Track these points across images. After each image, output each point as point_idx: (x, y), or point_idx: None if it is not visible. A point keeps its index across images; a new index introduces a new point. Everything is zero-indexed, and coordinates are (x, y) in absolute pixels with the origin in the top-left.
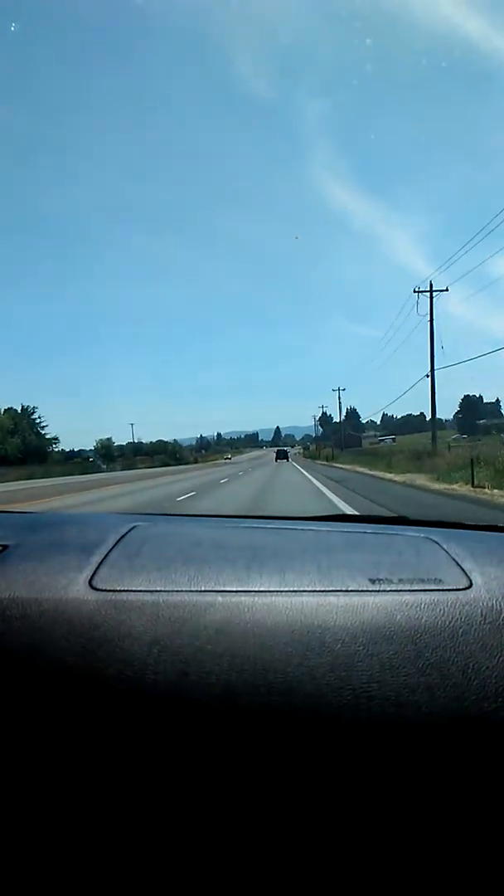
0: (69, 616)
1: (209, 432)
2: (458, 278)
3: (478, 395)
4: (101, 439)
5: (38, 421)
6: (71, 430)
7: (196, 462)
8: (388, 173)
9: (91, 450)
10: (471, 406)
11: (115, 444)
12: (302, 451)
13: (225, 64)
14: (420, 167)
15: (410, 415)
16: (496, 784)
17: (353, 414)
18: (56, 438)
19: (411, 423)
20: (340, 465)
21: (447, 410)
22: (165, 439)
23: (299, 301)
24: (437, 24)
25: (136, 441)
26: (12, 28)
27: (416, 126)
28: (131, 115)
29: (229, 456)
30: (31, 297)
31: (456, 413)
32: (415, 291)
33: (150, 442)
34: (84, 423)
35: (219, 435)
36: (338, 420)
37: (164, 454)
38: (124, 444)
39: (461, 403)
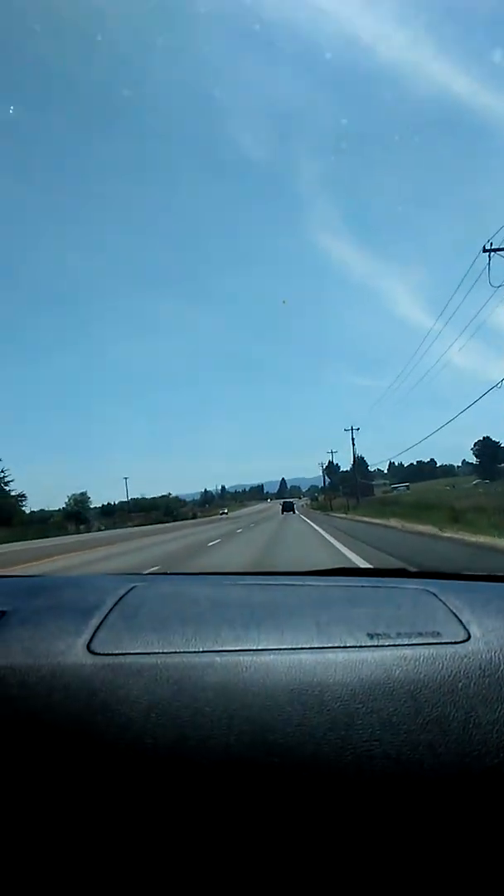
0: (67, 682)
1: (214, 486)
2: (459, 327)
3: (495, 439)
4: (73, 495)
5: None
6: (72, 488)
7: (195, 517)
8: (383, 228)
9: (94, 508)
10: (489, 449)
11: (115, 501)
12: (309, 502)
13: (223, 130)
14: (414, 221)
15: (421, 462)
16: (499, 840)
17: (361, 462)
18: (23, 495)
19: (423, 471)
20: (367, 519)
21: (456, 457)
22: (169, 494)
23: (300, 354)
24: (426, 85)
25: (129, 497)
26: (10, 111)
27: (409, 182)
28: (131, 179)
29: (225, 511)
30: (28, 357)
31: (475, 457)
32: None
33: (145, 497)
34: (86, 481)
35: (222, 488)
36: (346, 469)
37: (160, 510)
38: (118, 500)
39: (478, 447)
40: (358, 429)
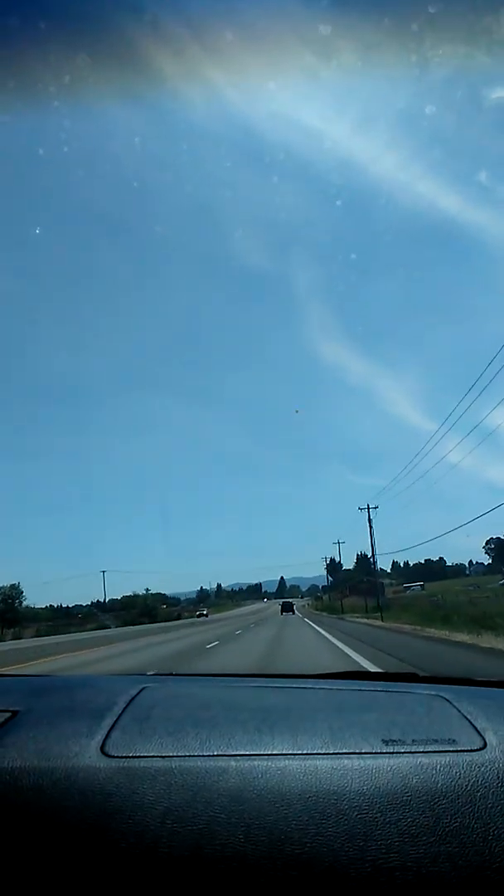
0: (81, 785)
1: (210, 584)
2: (458, 429)
3: None
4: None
5: None
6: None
7: (178, 618)
8: (379, 333)
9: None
10: (500, 548)
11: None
12: (312, 602)
13: (224, 241)
14: (409, 327)
15: (430, 560)
16: None
17: (364, 560)
18: None
19: (432, 570)
20: (428, 632)
21: (463, 556)
22: (147, 590)
23: (300, 453)
24: (415, 202)
25: (106, 595)
26: (37, 232)
27: (403, 290)
28: (135, 288)
29: (205, 612)
30: (28, 454)
31: (487, 556)
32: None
33: (136, 595)
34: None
35: (219, 586)
36: (349, 566)
37: (136, 609)
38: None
39: (493, 546)
40: (377, 507)
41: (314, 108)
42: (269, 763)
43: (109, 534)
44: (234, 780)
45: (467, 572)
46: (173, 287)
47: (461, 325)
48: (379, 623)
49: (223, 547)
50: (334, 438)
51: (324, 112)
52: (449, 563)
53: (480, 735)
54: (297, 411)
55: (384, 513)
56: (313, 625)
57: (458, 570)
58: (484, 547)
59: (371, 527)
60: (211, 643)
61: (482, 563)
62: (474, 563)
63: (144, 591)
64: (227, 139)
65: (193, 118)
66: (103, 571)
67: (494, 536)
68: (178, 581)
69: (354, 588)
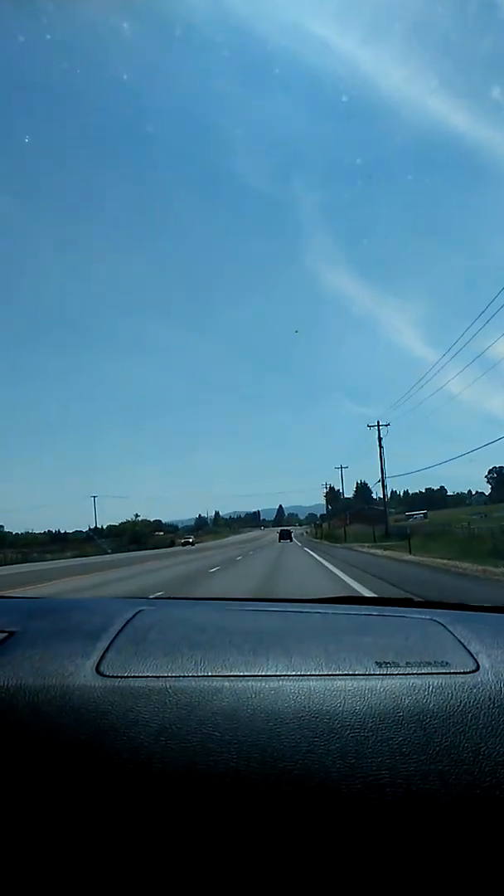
0: (76, 704)
1: (209, 512)
2: (459, 358)
3: None
4: None
5: None
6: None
7: (172, 545)
8: (385, 260)
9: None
10: (501, 477)
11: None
12: (311, 529)
13: (226, 160)
14: (414, 254)
15: (431, 490)
16: None
17: (364, 489)
18: None
19: (433, 499)
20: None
21: (462, 486)
22: (136, 516)
23: (300, 384)
24: (424, 120)
25: (96, 522)
26: (26, 140)
27: (411, 214)
28: (133, 209)
29: (190, 539)
30: (25, 381)
31: (489, 485)
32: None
33: (114, 524)
34: (81, 503)
35: (216, 514)
36: (348, 496)
37: (125, 536)
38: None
39: (495, 476)
40: (388, 424)
41: (322, 17)
42: (264, 684)
43: (103, 459)
44: (229, 700)
45: (468, 502)
46: (171, 208)
47: (471, 251)
48: (408, 557)
49: (222, 476)
50: (336, 369)
51: (331, 22)
52: (449, 493)
53: (473, 658)
54: (296, 332)
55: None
56: (311, 553)
57: (459, 499)
58: (486, 476)
59: (381, 446)
60: (216, 565)
61: (483, 493)
62: (474, 493)
63: (134, 517)
64: (230, 48)
65: (194, 22)
66: (94, 496)
67: (496, 466)
68: (175, 509)
69: (356, 515)
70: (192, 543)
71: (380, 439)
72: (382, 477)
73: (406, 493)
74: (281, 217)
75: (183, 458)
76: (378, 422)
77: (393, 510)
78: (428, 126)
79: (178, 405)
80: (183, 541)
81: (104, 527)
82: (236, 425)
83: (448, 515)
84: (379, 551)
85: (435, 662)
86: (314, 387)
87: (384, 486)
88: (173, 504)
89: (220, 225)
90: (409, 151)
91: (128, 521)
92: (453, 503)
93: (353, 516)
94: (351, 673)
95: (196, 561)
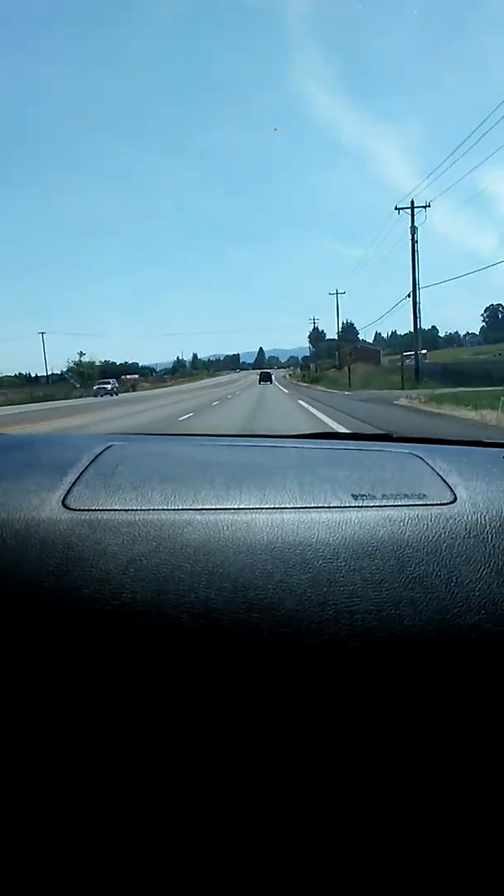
0: (42, 536)
1: (187, 355)
2: (449, 193)
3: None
4: None
5: None
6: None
7: (133, 389)
8: (376, 81)
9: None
10: (495, 316)
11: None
12: (295, 371)
13: None
14: (410, 74)
15: (422, 330)
16: (479, 695)
17: (350, 328)
18: None
19: (424, 339)
20: None
21: (462, 326)
22: (81, 355)
23: (283, 219)
24: None
25: (47, 365)
26: None
27: (404, 29)
28: (108, 20)
29: (108, 385)
30: None
31: (483, 326)
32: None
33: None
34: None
35: (194, 356)
36: (332, 337)
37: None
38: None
39: (488, 314)
40: (344, 292)
41: None
42: (236, 517)
43: (71, 301)
44: (200, 532)
45: (461, 343)
46: (150, 19)
47: (473, 73)
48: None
49: (201, 318)
50: (321, 204)
51: None
52: (440, 335)
53: (451, 490)
54: (275, 129)
55: (362, 286)
56: (306, 406)
57: (452, 339)
58: (482, 314)
59: (415, 241)
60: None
61: (475, 334)
62: (466, 334)
63: (79, 358)
64: None
65: None
66: (42, 333)
67: (493, 304)
68: (154, 353)
69: (355, 354)
70: (114, 392)
71: (413, 230)
72: (414, 290)
73: (394, 333)
74: (267, 28)
75: (156, 297)
76: (412, 202)
77: (381, 350)
78: None
79: (152, 239)
80: (97, 387)
81: (62, 371)
82: (214, 262)
83: (450, 355)
84: (454, 410)
85: (412, 495)
86: (299, 226)
87: (415, 305)
88: (151, 348)
89: (197, 29)
90: None
91: (85, 363)
92: (446, 344)
93: (343, 357)
94: (326, 505)
95: (141, 414)
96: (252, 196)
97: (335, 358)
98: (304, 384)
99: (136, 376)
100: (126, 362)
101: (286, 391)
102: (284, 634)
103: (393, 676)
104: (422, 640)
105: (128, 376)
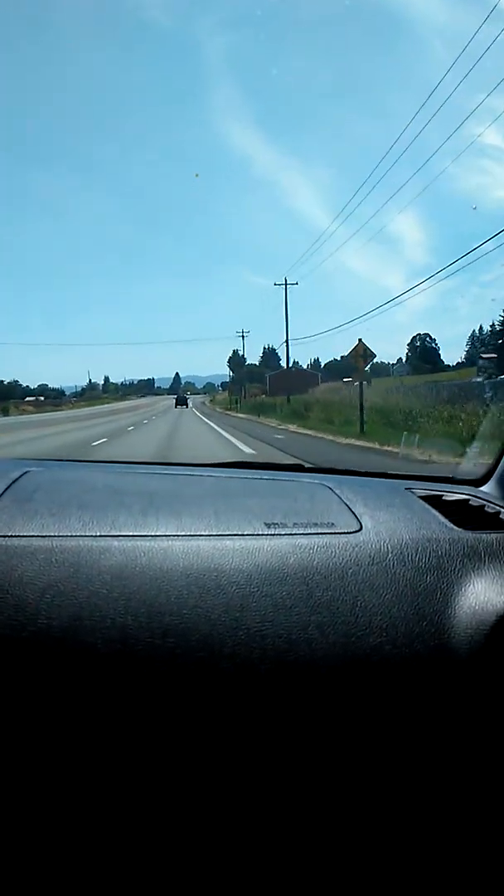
0: None
1: (98, 378)
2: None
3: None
4: None
5: None
6: None
7: (25, 413)
8: (289, 118)
9: None
10: (423, 345)
11: None
12: (213, 398)
13: None
14: (322, 115)
15: (345, 356)
16: (381, 715)
17: (272, 354)
18: None
19: (349, 368)
20: None
21: (391, 355)
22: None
23: (197, 248)
24: None
25: None
26: None
27: (319, 71)
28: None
29: None
30: None
31: (407, 354)
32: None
33: None
34: None
35: (106, 379)
36: (254, 361)
37: None
38: None
39: (419, 344)
40: (296, 283)
41: None
42: (153, 543)
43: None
44: (117, 559)
45: (392, 373)
46: (63, 38)
47: (380, 118)
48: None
49: (114, 338)
50: (234, 235)
51: None
52: (375, 362)
53: (357, 519)
54: (196, 175)
55: (281, 310)
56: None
57: (382, 369)
58: (408, 345)
59: (286, 307)
60: None
61: (405, 363)
62: (395, 363)
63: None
64: None
65: None
66: None
67: (420, 333)
68: (64, 375)
69: (279, 381)
70: None
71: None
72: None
73: (317, 361)
74: (181, 61)
75: (69, 322)
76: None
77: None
78: None
79: (63, 265)
80: None
81: None
82: (127, 289)
83: (389, 383)
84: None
85: (321, 523)
86: (213, 254)
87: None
88: (61, 370)
89: (107, 58)
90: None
91: None
92: (374, 374)
93: (274, 381)
94: (240, 533)
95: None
96: (165, 226)
97: (264, 383)
98: (241, 414)
99: (41, 398)
100: (29, 386)
101: (200, 415)
102: (199, 659)
103: (302, 698)
104: (328, 663)
105: (29, 398)
